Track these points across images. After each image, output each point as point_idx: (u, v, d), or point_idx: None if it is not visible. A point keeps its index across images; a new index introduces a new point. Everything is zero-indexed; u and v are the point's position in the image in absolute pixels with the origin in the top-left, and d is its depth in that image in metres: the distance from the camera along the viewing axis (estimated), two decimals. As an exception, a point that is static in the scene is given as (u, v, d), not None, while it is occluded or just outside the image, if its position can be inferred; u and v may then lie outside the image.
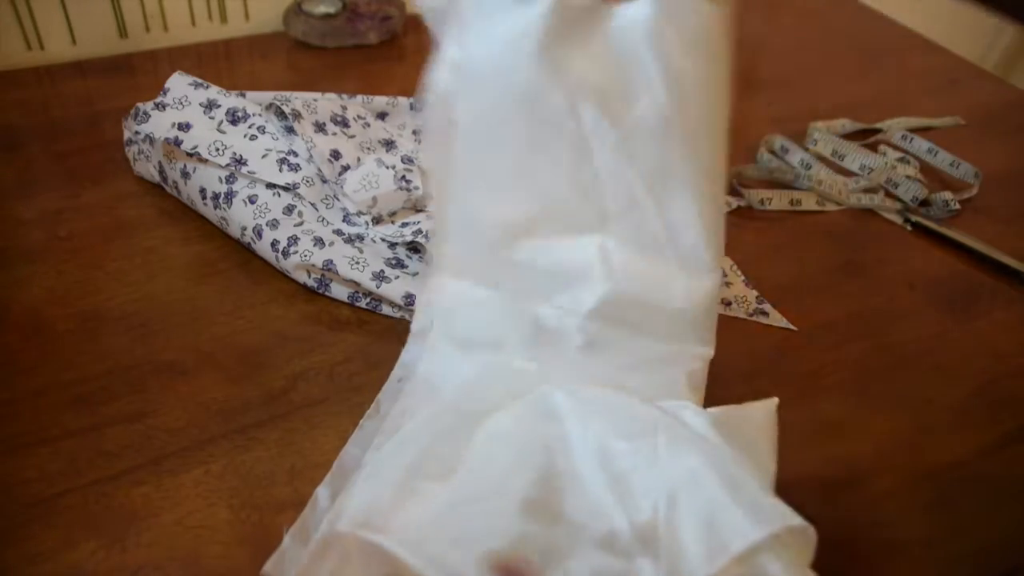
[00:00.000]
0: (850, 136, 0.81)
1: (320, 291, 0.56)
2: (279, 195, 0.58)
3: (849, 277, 0.64)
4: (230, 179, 0.58)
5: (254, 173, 0.58)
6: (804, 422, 0.51)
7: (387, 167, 0.60)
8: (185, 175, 0.60)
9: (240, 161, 0.58)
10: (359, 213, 0.59)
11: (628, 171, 0.43)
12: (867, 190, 0.74)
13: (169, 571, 0.40)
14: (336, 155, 0.60)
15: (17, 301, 0.54)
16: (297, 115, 0.60)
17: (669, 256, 0.44)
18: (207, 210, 0.60)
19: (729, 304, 0.60)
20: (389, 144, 0.66)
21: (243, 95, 0.63)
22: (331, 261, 0.54)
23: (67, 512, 0.42)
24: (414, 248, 0.58)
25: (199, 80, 0.62)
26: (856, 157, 0.76)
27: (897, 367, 0.57)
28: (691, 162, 0.43)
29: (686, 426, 0.40)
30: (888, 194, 0.74)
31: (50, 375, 0.49)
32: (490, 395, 0.42)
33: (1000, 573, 0.45)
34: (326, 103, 0.64)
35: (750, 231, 0.68)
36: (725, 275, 0.62)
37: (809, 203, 0.72)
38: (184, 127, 0.59)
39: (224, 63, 0.84)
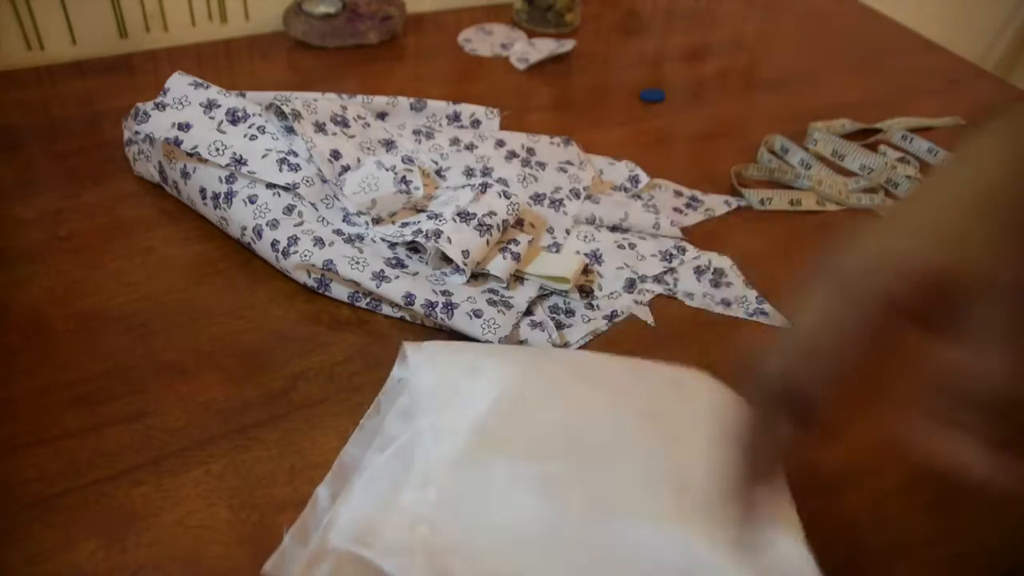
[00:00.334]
0: (850, 136, 0.81)
1: (320, 291, 0.56)
2: (279, 195, 0.58)
3: (849, 277, 0.64)
4: (230, 179, 0.58)
5: (254, 173, 0.58)
6: (804, 422, 0.51)
7: (387, 169, 0.60)
8: (185, 175, 0.60)
9: (240, 161, 0.58)
10: (359, 213, 0.59)
11: None
12: (867, 190, 0.74)
13: (169, 571, 0.40)
14: (336, 155, 0.60)
15: (17, 301, 0.54)
16: (297, 115, 0.60)
17: None
18: (207, 210, 0.60)
19: (729, 304, 0.60)
20: (389, 144, 0.66)
21: (243, 95, 0.63)
22: (331, 261, 0.54)
23: (67, 512, 0.42)
24: (414, 248, 0.58)
25: (199, 80, 0.62)
26: (856, 157, 0.76)
27: (897, 367, 0.56)
28: None
29: None
30: (888, 194, 0.74)
31: (50, 375, 0.49)
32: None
33: (1000, 573, 0.45)
34: (326, 103, 0.64)
35: (750, 231, 0.68)
36: (725, 275, 0.62)
37: (809, 203, 0.72)
38: (184, 127, 0.59)
39: (224, 63, 0.84)
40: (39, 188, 0.64)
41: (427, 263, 0.58)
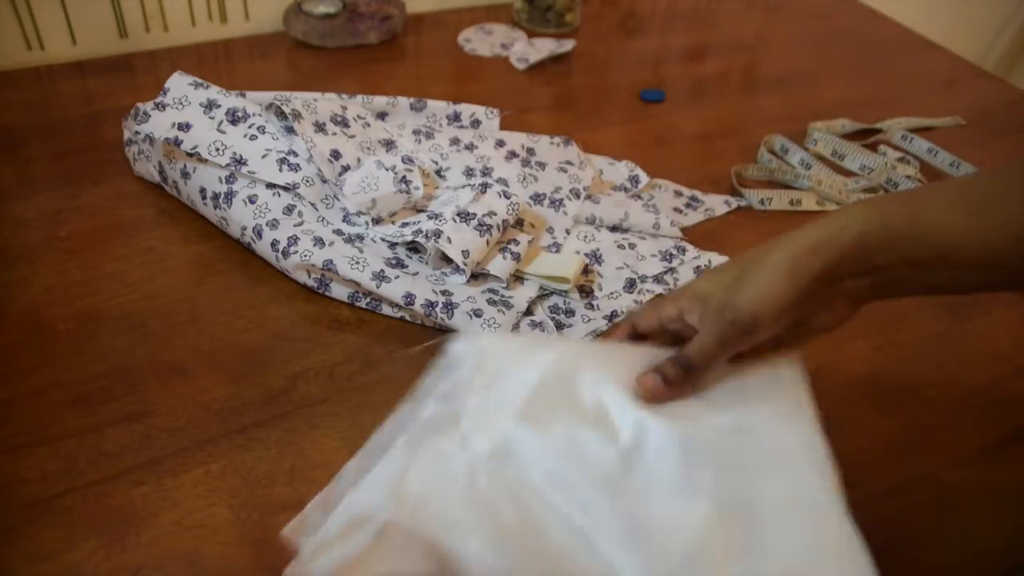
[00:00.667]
0: (850, 136, 0.81)
1: (320, 291, 0.56)
2: (279, 195, 0.58)
3: (849, 277, 0.64)
4: (230, 179, 0.58)
5: (254, 173, 0.58)
6: (804, 422, 0.51)
7: (387, 169, 0.60)
8: (185, 175, 0.60)
9: (240, 161, 0.58)
10: (359, 213, 0.59)
11: None
12: (867, 190, 0.74)
13: (169, 571, 0.40)
14: (336, 155, 0.60)
15: (17, 301, 0.54)
16: (297, 115, 0.60)
17: None
18: (207, 210, 0.60)
19: None
20: (389, 144, 0.66)
21: (243, 95, 0.63)
22: (331, 261, 0.54)
23: (67, 512, 0.42)
24: (414, 248, 0.58)
25: (199, 80, 0.62)
26: (856, 157, 0.76)
27: (897, 367, 0.57)
28: None
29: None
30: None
31: (50, 375, 0.49)
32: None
33: (1000, 573, 0.45)
34: (326, 103, 0.64)
35: (750, 231, 0.68)
36: None
37: (809, 203, 0.72)
38: (184, 127, 0.59)
39: (224, 63, 0.84)
40: (39, 188, 0.64)
41: (427, 263, 0.58)
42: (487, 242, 0.56)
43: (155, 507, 0.43)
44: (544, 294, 0.58)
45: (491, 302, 0.55)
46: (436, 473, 0.38)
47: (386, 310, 0.56)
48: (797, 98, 0.87)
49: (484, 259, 0.57)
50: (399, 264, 0.57)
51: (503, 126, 0.74)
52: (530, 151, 0.70)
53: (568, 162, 0.69)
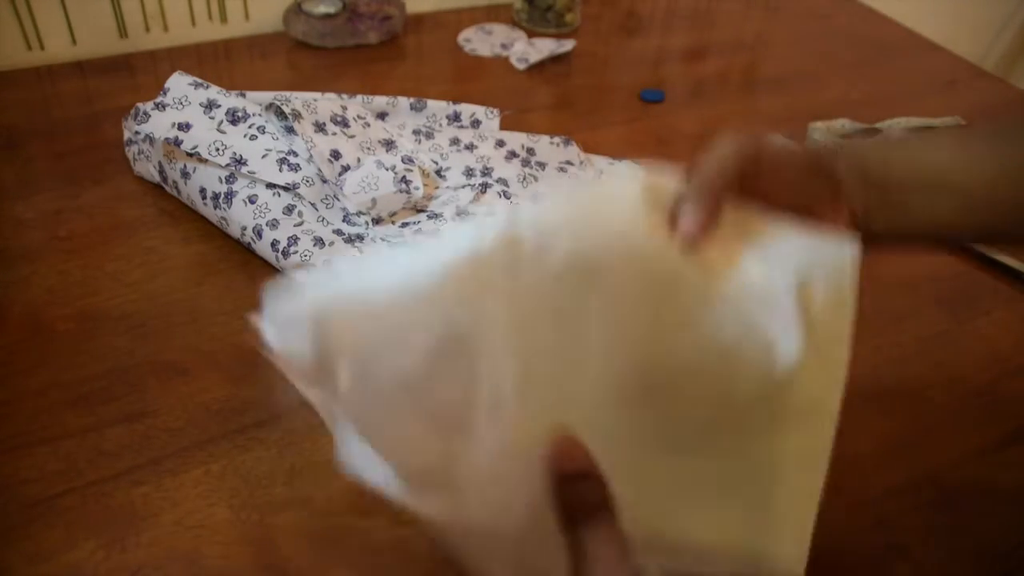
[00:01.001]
0: (850, 136, 0.81)
1: None
2: (279, 195, 0.58)
3: (849, 277, 0.64)
4: (230, 179, 0.58)
5: (254, 173, 0.58)
6: (804, 422, 0.51)
7: (387, 168, 0.60)
8: (185, 175, 0.60)
9: (240, 161, 0.58)
10: (359, 213, 0.59)
11: None
12: (867, 190, 0.74)
13: (169, 571, 0.40)
14: (336, 155, 0.60)
15: (17, 301, 0.54)
16: (297, 115, 0.60)
17: None
18: (207, 210, 0.60)
19: None
20: (389, 144, 0.66)
21: (243, 95, 0.63)
22: (331, 261, 0.54)
23: (67, 512, 0.42)
24: None
25: (199, 80, 0.62)
26: (856, 157, 0.76)
27: (897, 367, 0.56)
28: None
29: None
30: (888, 194, 0.74)
31: (50, 375, 0.49)
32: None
33: (1000, 573, 0.45)
34: (326, 103, 0.64)
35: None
36: None
37: (809, 203, 0.72)
38: (184, 127, 0.59)
39: (224, 63, 0.84)
40: (39, 188, 0.64)
41: None
42: None
43: (155, 507, 0.43)
44: None
45: None
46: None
47: None
48: (797, 98, 0.87)
49: None
50: None
51: (503, 126, 0.74)
52: (530, 151, 0.70)
53: (568, 162, 0.69)
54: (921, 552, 0.45)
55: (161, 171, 0.63)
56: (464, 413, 0.31)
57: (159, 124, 0.59)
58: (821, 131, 0.79)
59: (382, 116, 0.71)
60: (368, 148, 0.63)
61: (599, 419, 0.33)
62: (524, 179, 0.65)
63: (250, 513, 0.43)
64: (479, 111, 0.73)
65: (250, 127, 0.60)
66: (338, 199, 0.59)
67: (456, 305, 0.31)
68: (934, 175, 0.39)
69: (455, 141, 0.69)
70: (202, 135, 0.59)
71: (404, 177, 0.60)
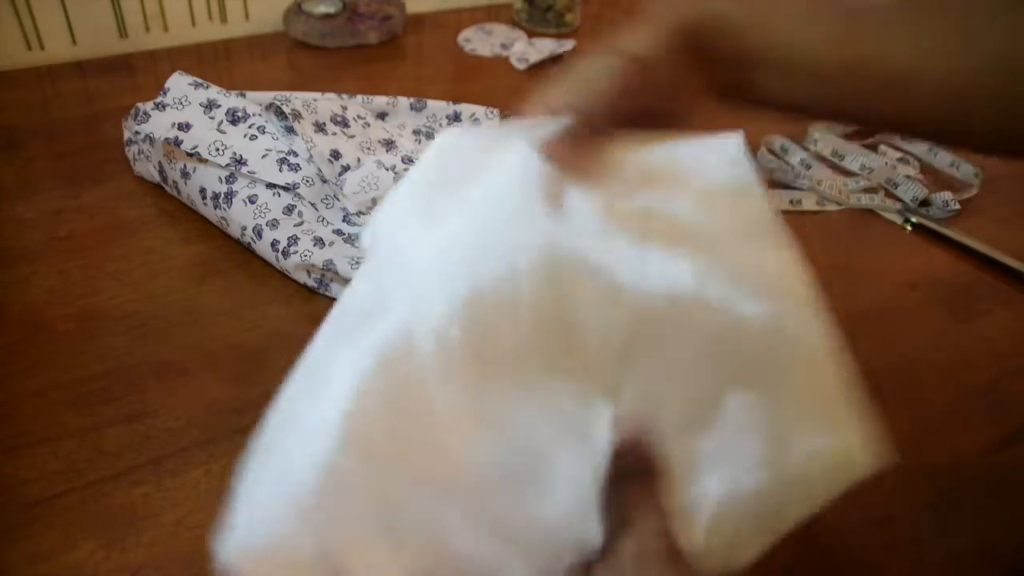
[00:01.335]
0: (850, 136, 0.81)
1: (320, 291, 0.56)
2: (279, 195, 0.58)
3: (849, 277, 0.64)
4: (230, 179, 0.58)
5: (254, 173, 0.58)
6: (804, 422, 0.51)
7: (387, 168, 0.60)
8: (185, 175, 0.60)
9: (240, 161, 0.58)
10: (359, 213, 0.59)
11: None
12: (867, 190, 0.74)
13: (169, 571, 0.40)
14: (336, 155, 0.60)
15: (17, 301, 0.54)
16: (297, 115, 0.60)
17: None
18: (207, 210, 0.60)
19: None
20: (389, 144, 0.66)
21: (243, 95, 0.63)
22: (331, 261, 0.54)
23: (67, 512, 0.42)
24: None
25: (199, 80, 0.62)
26: (856, 157, 0.76)
27: (897, 367, 0.56)
28: None
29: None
30: (888, 194, 0.74)
31: (50, 375, 0.49)
32: None
33: (1000, 573, 0.45)
34: (326, 103, 0.64)
35: (750, 231, 0.68)
36: None
37: (809, 203, 0.72)
38: (184, 127, 0.59)
39: (224, 63, 0.84)
40: (39, 188, 0.64)
41: None
42: None
43: (155, 507, 0.43)
44: None
45: None
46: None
47: None
48: (797, 98, 0.87)
49: None
50: None
51: (503, 126, 0.74)
52: None
53: None
54: (921, 552, 0.45)
55: (161, 171, 0.63)
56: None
57: (159, 124, 0.59)
58: (822, 131, 0.79)
59: (382, 116, 0.71)
60: (368, 148, 0.63)
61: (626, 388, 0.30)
62: None
63: (250, 513, 0.43)
64: (479, 111, 0.73)
65: (250, 127, 0.60)
66: (338, 199, 0.59)
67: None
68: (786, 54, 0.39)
69: None
70: (202, 135, 0.59)
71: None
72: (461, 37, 0.92)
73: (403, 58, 0.88)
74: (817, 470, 0.34)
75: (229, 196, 0.58)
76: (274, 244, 0.56)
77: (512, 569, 0.29)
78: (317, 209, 0.59)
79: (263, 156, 0.58)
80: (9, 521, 0.42)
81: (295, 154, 0.59)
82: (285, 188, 0.58)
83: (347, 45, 0.87)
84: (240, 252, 0.59)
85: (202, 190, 0.59)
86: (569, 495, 0.29)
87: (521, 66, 0.87)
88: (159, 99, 0.61)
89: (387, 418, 0.29)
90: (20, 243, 0.59)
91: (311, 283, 0.56)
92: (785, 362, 0.36)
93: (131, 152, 0.65)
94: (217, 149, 0.58)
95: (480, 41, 0.92)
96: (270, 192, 0.58)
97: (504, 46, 0.91)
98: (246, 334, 0.54)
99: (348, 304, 0.35)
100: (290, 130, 0.61)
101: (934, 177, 0.77)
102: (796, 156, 0.76)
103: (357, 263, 0.55)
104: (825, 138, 0.78)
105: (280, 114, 0.61)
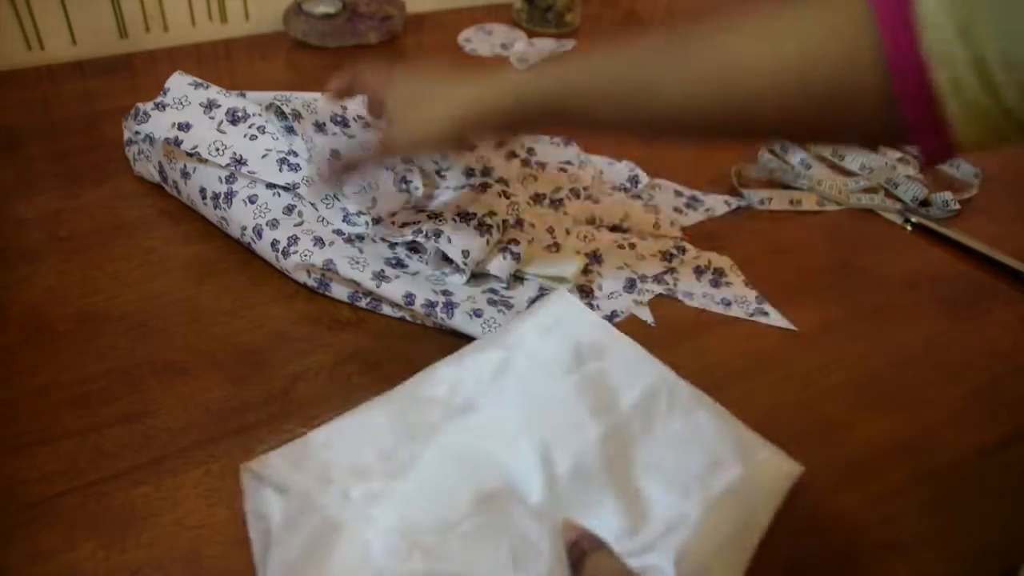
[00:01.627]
0: (850, 136, 0.81)
1: (320, 291, 0.56)
2: (279, 195, 0.58)
3: (849, 277, 0.64)
4: (230, 179, 0.58)
5: (254, 173, 0.58)
6: (804, 422, 0.51)
7: (386, 168, 0.60)
8: (185, 175, 0.60)
9: (240, 161, 0.58)
10: (359, 213, 0.59)
11: None
12: (867, 190, 0.74)
13: (169, 571, 0.40)
14: (336, 155, 0.60)
15: (17, 301, 0.54)
16: (297, 115, 0.60)
17: None
18: (207, 210, 0.60)
19: (729, 304, 0.59)
20: None
21: (243, 95, 0.63)
22: (331, 261, 0.54)
23: (67, 512, 0.42)
24: (414, 248, 0.58)
25: (199, 80, 0.62)
26: (856, 157, 0.76)
27: (897, 367, 0.56)
28: None
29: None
30: (888, 194, 0.74)
31: (50, 375, 0.49)
32: None
33: (1000, 573, 0.45)
34: (326, 103, 0.64)
35: (750, 231, 0.68)
36: (725, 275, 0.62)
37: (809, 203, 0.72)
38: (184, 127, 0.59)
39: (224, 63, 0.84)
40: (39, 188, 0.64)
41: (427, 263, 0.58)
42: (487, 242, 0.56)
43: (155, 507, 0.43)
44: (543, 293, 0.58)
45: (491, 302, 0.55)
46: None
47: (386, 310, 0.56)
48: (797, 98, 0.87)
49: (484, 259, 0.57)
50: (399, 264, 0.57)
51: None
52: (530, 151, 0.70)
53: (568, 162, 0.69)
54: (921, 552, 0.45)
55: (161, 171, 0.63)
56: None
57: (159, 124, 0.59)
58: (821, 131, 0.79)
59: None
60: (368, 149, 0.63)
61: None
62: (524, 179, 0.65)
63: (250, 513, 0.43)
64: None
65: (250, 127, 0.60)
66: (338, 199, 0.59)
67: None
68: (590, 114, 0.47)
69: None
70: (202, 135, 0.59)
71: (404, 177, 0.60)
72: (461, 37, 0.92)
73: (403, 58, 0.88)
74: (743, 488, 0.41)
75: (229, 196, 0.58)
76: (274, 244, 0.56)
77: None
78: (317, 209, 0.59)
79: (263, 156, 0.58)
80: (9, 521, 0.42)
81: (295, 154, 0.59)
82: (285, 188, 0.58)
83: (347, 45, 0.87)
84: (240, 252, 0.59)
85: (202, 190, 0.59)
86: None
87: (521, 66, 0.87)
88: (159, 99, 0.61)
89: None
90: (20, 243, 0.59)
91: (311, 283, 0.56)
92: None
93: (131, 152, 0.65)
94: (217, 149, 0.58)
95: (480, 41, 0.92)
96: (270, 192, 0.58)
97: (504, 46, 0.91)
98: (246, 334, 0.54)
99: None
100: (290, 130, 0.61)
101: (934, 177, 0.77)
102: (796, 156, 0.76)
103: (357, 263, 0.55)
104: (825, 138, 0.78)
105: (280, 114, 0.61)
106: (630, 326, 0.57)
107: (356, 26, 0.87)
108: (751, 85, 0.41)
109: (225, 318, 0.54)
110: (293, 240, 0.55)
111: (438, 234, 0.55)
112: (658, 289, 0.60)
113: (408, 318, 0.56)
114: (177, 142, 0.58)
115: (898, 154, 0.79)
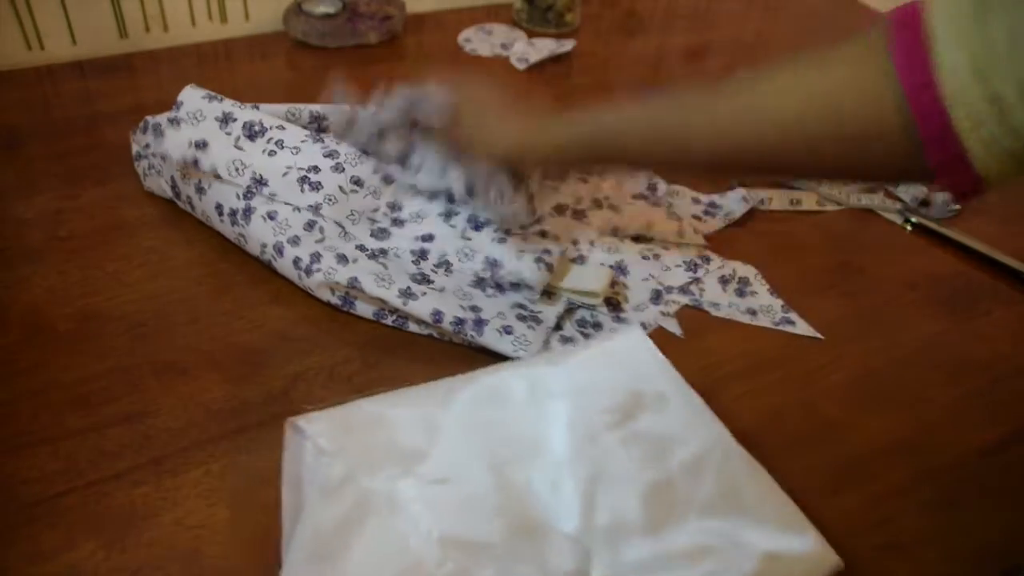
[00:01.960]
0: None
1: (344, 309, 0.55)
2: (299, 211, 0.56)
3: (849, 277, 0.64)
4: (247, 195, 0.57)
5: (275, 196, 0.56)
6: (804, 422, 0.51)
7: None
8: (200, 190, 0.59)
9: (261, 182, 0.56)
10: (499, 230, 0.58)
11: None
12: (867, 190, 0.74)
13: (169, 571, 0.40)
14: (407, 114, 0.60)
15: (17, 301, 0.54)
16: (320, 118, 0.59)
17: None
18: (224, 227, 0.58)
19: (755, 314, 0.59)
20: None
21: (257, 107, 0.61)
22: (356, 279, 0.53)
23: (67, 512, 0.42)
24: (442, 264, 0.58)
25: (212, 93, 0.60)
26: (856, 157, 0.76)
27: (897, 367, 0.56)
28: None
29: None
30: (888, 194, 0.74)
31: (50, 375, 0.49)
32: None
33: (1000, 573, 0.45)
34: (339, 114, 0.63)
35: (750, 231, 0.68)
36: (750, 284, 0.62)
37: (809, 203, 0.72)
38: (201, 145, 0.57)
39: (224, 63, 0.84)
40: (39, 188, 0.64)
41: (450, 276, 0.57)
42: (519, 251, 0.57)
43: (155, 507, 0.43)
44: (571, 308, 0.57)
45: (520, 318, 0.54)
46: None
47: (412, 327, 0.55)
48: (797, 98, 0.87)
49: (516, 266, 0.56)
50: (425, 280, 0.56)
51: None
52: None
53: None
54: (921, 552, 0.45)
55: (174, 186, 0.61)
56: None
57: (175, 143, 0.57)
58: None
59: None
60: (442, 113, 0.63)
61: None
62: (545, 191, 0.64)
63: (250, 513, 0.43)
64: None
65: (268, 141, 0.58)
66: (367, 216, 0.58)
67: None
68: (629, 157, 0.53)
69: None
70: (220, 153, 0.57)
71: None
72: (461, 37, 0.92)
73: (403, 58, 0.88)
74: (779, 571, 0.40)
75: (247, 212, 0.56)
76: (296, 262, 0.54)
77: None
78: (341, 225, 0.57)
79: (284, 175, 0.57)
80: (9, 521, 0.42)
81: (316, 169, 0.57)
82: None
83: (347, 45, 0.87)
84: (240, 252, 0.59)
85: (218, 206, 0.58)
86: None
87: (521, 66, 0.87)
88: (172, 114, 0.59)
89: None
90: (20, 243, 0.59)
91: (335, 301, 0.55)
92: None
93: (141, 167, 0.64)
94: (237, 169, 0.56)
95: (480, 41, 0.92)
96: (289, 207, 0.56)
97: (504, 46, 0.91)
98: (246, 334, 0.54)
99: None
100: (319, 132, 0.60)
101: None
102: (796, 156, 0.76)
103: (383, 280, 0.53)
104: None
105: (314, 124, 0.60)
106: (659, 336, 0.56)
107: (356, 26, 0.87)
108: (780, 134, 0.43)
109: (225, 318, 0.54)
110: (316, 257, 0.54)
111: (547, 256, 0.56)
112: (684, 300, 0.59)
113: (436, 335, 0.55)
114: (195, 162, 0.57)
115: (898, 154, 0.79)
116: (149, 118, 0.60)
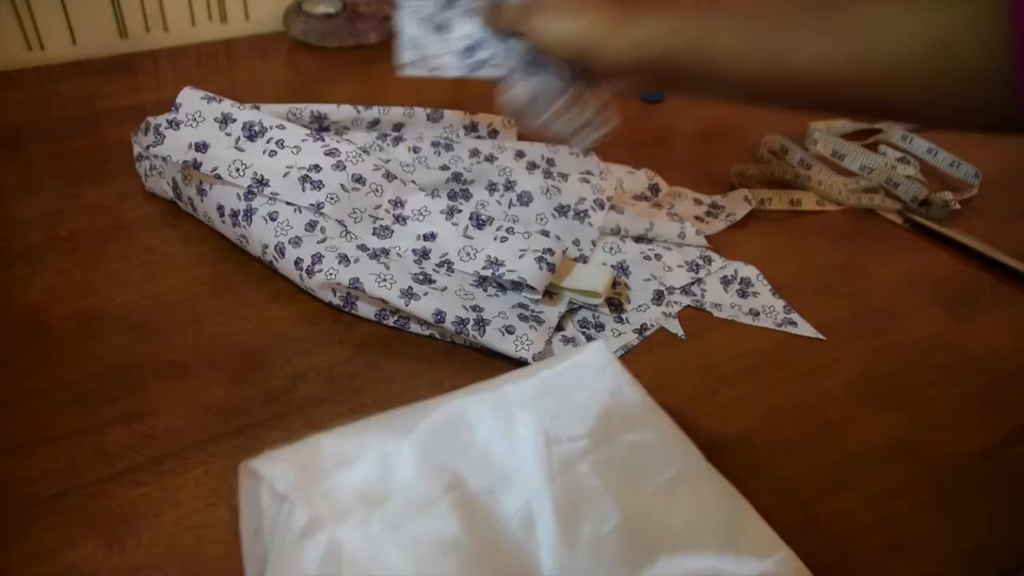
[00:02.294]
0: (850, 136, 0.82)
1: (346, 310, 0.55)
2: (300, 211, 0.56)
3: (849, 277, 0.64)
4: (248, 195, 0.57)
5: (277, 195, 0.56)
6: (804, 422, 0.51)
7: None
8: (201, 192, 0.59)
9: (262, 182, 0.56)
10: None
11: None
12: (867, 190, 0.74)
13: (169, 571, 0.40)
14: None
15: (17, 301, 0.54)
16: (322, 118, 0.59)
17: None
18: (225, 228, 0.59)
19: (757, 315, 0.59)
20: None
21: (257, 107, 0.61)
22: (357, 279, 0.53)
23: (67, 512, 0.42)
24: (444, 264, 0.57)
25: (211, 94, 0.60)
26: (856, 157, 0.76)
27: (897, 367, 0.57)
28: None
29: None
30: (888, 194, 0.74)
31: (50, 375, 0.49)
32: None
33: (1000, 573, 0.45)
34: (341, 115, 0.63)
35: (750, 231, 0.68)
36: (752, 284, 0.62)
37: (809, 203, 0.72)
38: (201, 147, 0.57)
39: (224, 63, 0.84)
40: (39, 188, 0.64)
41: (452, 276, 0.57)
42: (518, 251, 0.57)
43: (155, 507, 0.43)
44: (573, 308, 0.57)
45: (523, 318, 0.54)
46: None
47: (414, 328, 0.55)
48: (797, 98, 0.87)
49: (517, 265, 0.56)
50: (426, 280, 0.55)
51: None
52: (550, 161, 0.68)
53: (589, 172, 0.68)
54: (921, 552, 0.45)
55: (175, 187, 0.61)
56: None
57: (175, 145, 0.57)
58: (821, 131, 0.79)
59: (398, 127, 0.69)
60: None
61: None
62: (548, 191, 0.64)
63: (250, 513, 0.43)
64: (496, 121, 0.71)
65: (268, 142, 0.58)
66: (368, 213, 0.58)
67: None
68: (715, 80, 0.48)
69: (475, 152, 0.66)
70: (220, 154, 0.57)
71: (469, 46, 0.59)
72: (461, 37, 0.92)
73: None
74: None
75: (248, 213, 0.56)
76: (297, 262, 0.54)
77: None
78: (343, 223, 0.57)
79: (284, 175, 0.56)
80: (9, 521, 0.42)
81: (318, 168, 0.57)
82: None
83: (347, 45, 0.87)
84: (240, 251, 0.59)
85: (220, 207, 0.58)
86: None
87: (521, 66, 0.87)
88: (171, 115, 0.59)
89: None
90: (20, 243, 0.59)
91: (336, 302, 0.55)
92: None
93: (142, 168, 0.64)
94: (237, 170, 0.56)
95: (480, 41, 0.92)
96: (291, 208, 0.56)
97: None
98: (246, 334, 0.54)
99: None
100: (320, 131, 0.59)
101: (934, 177, 0.77)
102: (796, 156, 0.76)
103: (384, 280, 0.53)
104: (825, 138, 0.78)
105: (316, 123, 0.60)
106: (659, 336, 0.57)
107: (356, 26, 0.87)
108: (889, 56, 0.40)
109: (225, 318, 0.54)
110: (317, 258, 0.54)
111: (552, 251, 0.56)
112: (686, 300, 0.59)
113: (438, 336, 0.55)
114: (196, 164, 0.57)
115: (898, 154, 0.79)
116: (150, 119, 0.60)
